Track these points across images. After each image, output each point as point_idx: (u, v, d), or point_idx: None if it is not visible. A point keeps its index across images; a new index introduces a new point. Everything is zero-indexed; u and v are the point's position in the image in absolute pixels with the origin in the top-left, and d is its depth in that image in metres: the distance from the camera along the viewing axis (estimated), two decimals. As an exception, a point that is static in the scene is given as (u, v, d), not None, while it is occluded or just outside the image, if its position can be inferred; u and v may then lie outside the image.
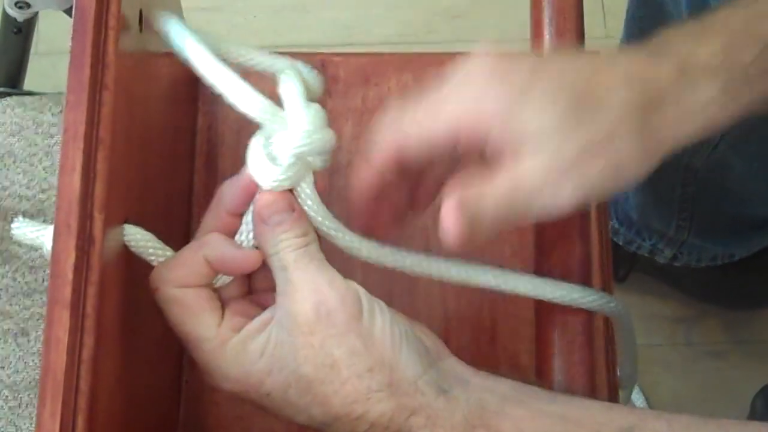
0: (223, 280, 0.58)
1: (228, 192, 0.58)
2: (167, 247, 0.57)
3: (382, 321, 0.54)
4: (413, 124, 0.56)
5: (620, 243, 1.28)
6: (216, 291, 0.58)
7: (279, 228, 0.56)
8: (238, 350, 0.55)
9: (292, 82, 0.59)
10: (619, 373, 0.76)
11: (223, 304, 0.58)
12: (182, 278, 0.56)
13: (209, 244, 0.57)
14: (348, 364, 0.53)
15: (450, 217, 0.54)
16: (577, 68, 0.56)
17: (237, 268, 0.58)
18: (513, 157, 0.54)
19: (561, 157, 0.54)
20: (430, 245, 0.79)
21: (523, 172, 0.54)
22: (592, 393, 0.62)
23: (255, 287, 0.60)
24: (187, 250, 0.57)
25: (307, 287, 0.54)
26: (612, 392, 0.77)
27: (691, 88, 0.55)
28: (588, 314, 0.63)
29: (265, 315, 0.56)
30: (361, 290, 0.55)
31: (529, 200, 0.54)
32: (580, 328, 0.63)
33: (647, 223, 1.24)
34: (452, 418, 0.53)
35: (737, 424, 0.55)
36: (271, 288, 0.57)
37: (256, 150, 0.57)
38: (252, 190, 0.58)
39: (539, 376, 0.64)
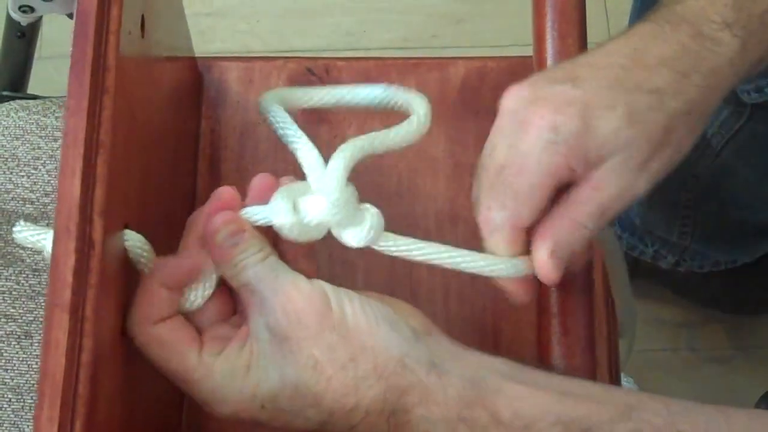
0: (190, 302, 0.58)
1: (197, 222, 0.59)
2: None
3: (352, 309, 0.54)
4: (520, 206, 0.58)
5: (623, 249, 1.28)
6: (190, 321, 0.58)
7: (235, 249, 0.56)
8: (225, 370, 0.55)
9: (343, 155, 0.59)
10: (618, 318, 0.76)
11: (201, 333, 0.58)
12: (150, 314, 0.56)
13: (157, 270, 0.57)
14: (329, 359, 0.53)
15: (546, 266, 0.57)
16: (614, 64, 0.58)
17: (186, 272, 0.58)
18: (592, 168, 0.56)
19: (634, 154, 0.56)
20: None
21: (605, 178, 0.56)
22: (592, 367, 0.63)
23: (227, 311, 0.60)
24: (142, 287, 0.57)
25: (273, 295, 0.54)
26: (612, 361, 0.77)
27: (711, 48, 0.57)
28: (590, 318, 0.63)
29: (242, 331, 0.56)
30: (326, 285, 0.55)
31: (616, 204, 0.57)
32: (583, 332, 0.63)
33: (650, 229, 1.23)
34: (446, 394, 0.53)
35: (736, 409, 0.56)
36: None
37: (285, 200, 0.57)
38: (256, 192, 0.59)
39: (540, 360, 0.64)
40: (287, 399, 0.54)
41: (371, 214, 0.58)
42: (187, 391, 0.57)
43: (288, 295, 0.54)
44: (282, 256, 0.58)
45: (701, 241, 1.20)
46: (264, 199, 0.58)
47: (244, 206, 0.58)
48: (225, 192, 0.58)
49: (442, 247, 0.60)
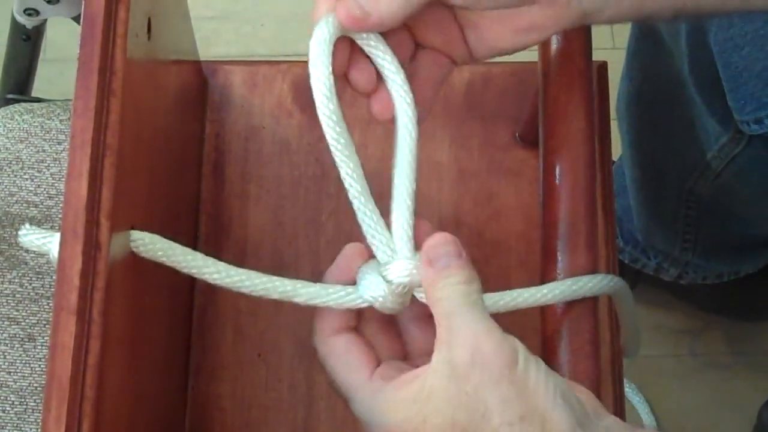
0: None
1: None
2: (175, 244, 0.57)
3: (537, 371, 0.54)
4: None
5: (625, 261, 1.28)
6: (371, 347, 0.59)
7: (445, 272, 0.56)
8: (389, 399, 0.56)
9: (401, 215, 0.60)
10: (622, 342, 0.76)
11: (379, 360, 0.59)
12: (326, 325, 0.58)
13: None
14: (500, 411, 0.52)
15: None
16: None
17: (344, 270, 0.59)
18: None
19: None
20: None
21: None
22: (596, 385, 0.62)
23: (410, 351, 0.61)
24: None
25: (465, 334, 0.54)
26: (617, 402, 0.77)
27: None
28: (594, 323, 0.63)
29: (420, 368, 0.56)
30: (519, 343, 0.55)
31: None
32: (587, 337, 0.63)
33: (652, 243, 1.24)
34: None
35: None
36: (425, 352, 0.58)
37: (374, 274, 0.58)
38: (349, 266, 0.60)
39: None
40: None
41: None
42: (350, 407, 0.58)
43: (480, 338, 0.54)
44: None
45: (703, 255, 1.20)
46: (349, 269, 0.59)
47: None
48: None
49: (509, 293, 0.62)
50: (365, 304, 0.58)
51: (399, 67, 0.60)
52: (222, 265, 0.58)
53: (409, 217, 0.60)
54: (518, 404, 0.53)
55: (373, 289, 0.58)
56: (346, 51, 0.60)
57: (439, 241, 0.58)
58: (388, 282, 0.58)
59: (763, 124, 0.82)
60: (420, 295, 0.59)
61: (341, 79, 0.61)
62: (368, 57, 0.60)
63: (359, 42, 0.60)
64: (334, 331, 0.58)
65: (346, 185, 0.59)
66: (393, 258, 0.58)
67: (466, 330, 0.54)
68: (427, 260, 0.57)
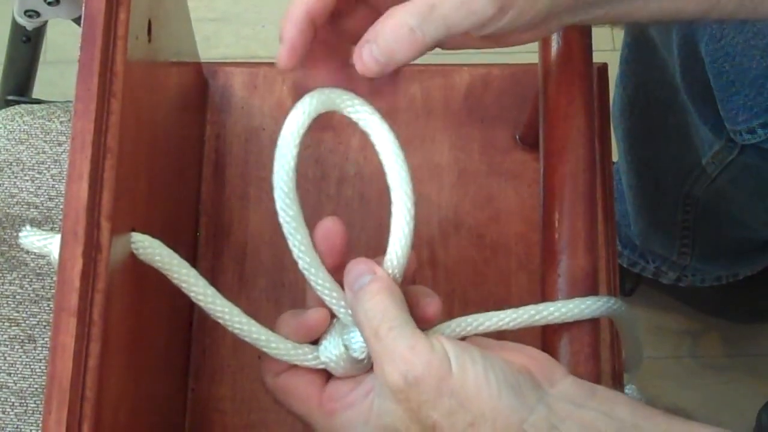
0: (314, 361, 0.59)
1: (287, 328, 0.60)
2: (174, 254, 0.57)
3: (475, 372, 0.53)
4: None
5: (624, 265, 1.28)
6: (314, 372, 0.59)
7: (360, 292, 0.56)
8: (344, 421, 0.56)
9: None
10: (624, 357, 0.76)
11: (326, 379, 0.59)
12: (272, 366, 0.59)
13: (278, 326, 0.59)
14: (449, 424, 0.53)
15: (362, 58, 0.56)
16: None
17: (307, 334, 0.59)
18: None
19: None
20: (437, 254, 0.80)
21: None
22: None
23: None
24: None
25: (392, 356, 0.54)
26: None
27: None
28: (594, 326, 0.63)
29: (367, 384, 0.57)
30: (449, 345, 0.54)
31: (449, 11, 0.54)
32: (587, 339, 0.63)
33: (650, 248, 1.24)
34: None
35: None
36: None
37: (335, 336, 0.59)
38: (313, 331, 0.59)
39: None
40: None
41: None
42: (311, 429, 0.59)
43: (406, 358, 0.53)
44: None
45: (701, 259, 1.20)
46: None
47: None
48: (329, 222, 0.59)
49: (506, 313, 0.62)
50: (325, 367, 0.59)
51: (389, 131, 0.62)
52: (211, 290, 0.58)
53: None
54: (464, 413, 0.53)
55: (332, 356, 0.58)
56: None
57: (352, 265, 0.58)
58: (350, 349, 0.58)
59: (756, 133, 0.82)
60: None
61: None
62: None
63: (344, 111, 0.61)
64: (279, 371, 0.59)
65: (295, 257, 0.58)
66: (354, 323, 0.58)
67: (392, 352, 0.54)
68: (348, 288, 0.57)
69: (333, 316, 0.60)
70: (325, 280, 0.58)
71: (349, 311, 0.58)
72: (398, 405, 0.54)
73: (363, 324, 0.56)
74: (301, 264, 0.58)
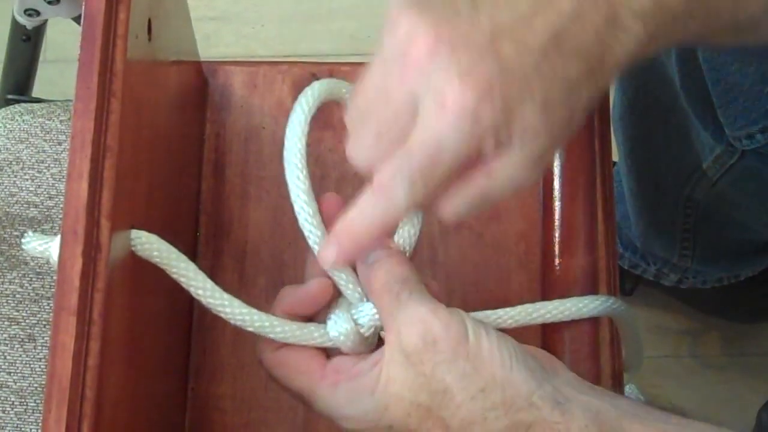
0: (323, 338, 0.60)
1: (288, 299, 0.60)
2: (173, 248, 0.57)
3: (489, 342, 0.54)
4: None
5: (625, 267, 1.28)
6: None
7: (376, 264, 0.58)
8: (348, 393, 0.57)
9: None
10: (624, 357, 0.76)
11: (327, 353, 0.60)
12: (272, 341, 0.59)
13: (279, 300, 0.60)
14: (460, 387, 0.53)
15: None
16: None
17: (309, 305, 0.60)
18: (494, 153, 0.53)
19: (536, 146, 0.53)
20: (437, 254, 0.79)
21: (501, 169, 0.54)
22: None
23: None
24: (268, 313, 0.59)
25: (411, 319, 0.55)
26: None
27: (620, 35, 0.54)
28: (594, 324, 0.63)
29: (374, 356, 0.58)
30: (466, 315, 0.56)
31: (502, 195, 0.55)
32: (587, 338, 0.63)
33: (651, 250, 1.24)
34: (568, 431, 0.53)
35: None
36: None
37: (348, 320, 0.59)
38: (315, 301, 0.60)
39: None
40: (417, 421, 0.55)
41: None
42: (312, 407, 0.59)
43: (426, 319, 0.55)
44: None
45: (702, 261, 1.20)
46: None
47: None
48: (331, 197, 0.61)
49: (505, 311, 0.63)
50: (332, 344, 0.59)
51: None
52: (210, 284, 0.58)
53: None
54: (477, 377, 0.54)
55: (341, 331, 0.59)
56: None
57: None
58: (358, 325, 0.58)
59: (755, 139, 0.82)
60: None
61: None
62: None
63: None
64: (278, 344, 0.59)
65: (305, 233, 0.59)
66: (362, 299, 0.59)
67: (411, 314, 0.55)
68: (360, 262, 0.58)
69: (337, 295, 0.60)
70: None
71: (357, 289, 0.59)
72: (410, 369, 0.54)
73: (380, 292, 0.57)
74: (311, 239, 0.59)
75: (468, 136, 0.51)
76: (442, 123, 0.51)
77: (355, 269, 0.60)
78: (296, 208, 0.59)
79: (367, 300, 0.59)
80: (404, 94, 0.52)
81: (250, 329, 0.58)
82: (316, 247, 0.59)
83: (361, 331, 0.58)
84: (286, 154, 0.59)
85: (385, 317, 0.57)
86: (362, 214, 0.56)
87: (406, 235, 0.60)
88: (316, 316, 0.61)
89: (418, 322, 0.55)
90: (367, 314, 0.58)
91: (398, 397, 0.55)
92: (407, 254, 0.60)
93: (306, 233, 0.59)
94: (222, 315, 0.58)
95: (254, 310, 0.59)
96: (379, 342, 0.59)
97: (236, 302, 0.58)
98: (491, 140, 0.52)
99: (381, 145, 0.54)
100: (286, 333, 0.58)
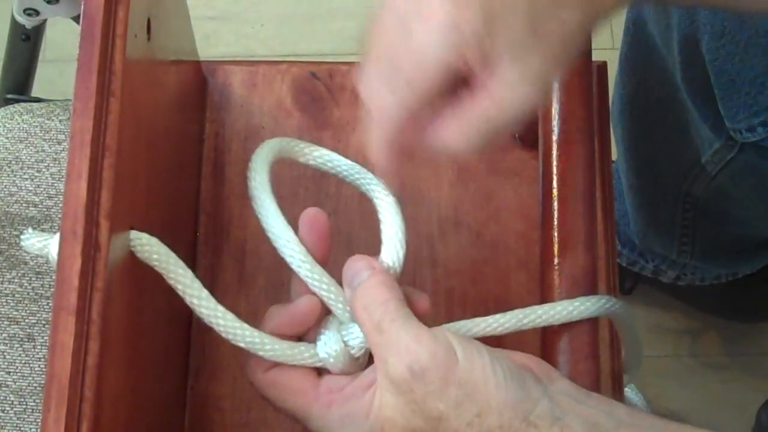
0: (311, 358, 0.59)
1: (277, 319, 0.60)
2: (172, 253, 0.57)
3: (482, 363, 0.53)
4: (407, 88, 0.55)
5: (624, 264, 1.28)
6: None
7: (359, 289, 0.57)
8: (343, 413, 0.56)
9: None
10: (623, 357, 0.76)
11: (319, 370, 0.59)
12: (263, 362, 0.58)
13: (267, 319, 0.59)
14: (455, 414, 0.53)
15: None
16: None
17: (298, 324, 0.59)
18: (488, 71, 0.54)
19: (533, 64, 0.54)
20: (436, 253, 0.80)
21: (499, 88, 0.54)
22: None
23: None
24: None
25: (397, 348, 0.54)
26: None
27: None
28: (593, 324, 0.63)
29: (367, 376, 0.57)
30: (453, 337, 0.54)
31: (507, 116, 0.55)
32: (586, 338, 0.63)
33: (649, 247, 1.24)
34: None
35: None
36: None
37: (337, 342, 0.58)
38: (304, 320, 0.59)
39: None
40: None
41: None
42: (306, 426, 0.58)
43: (411, 349, 0.53)
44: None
45: (701, 258, 1.20)
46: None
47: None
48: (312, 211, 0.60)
49: (503, 316, 0.62)
50: (322, 365, 0.58)
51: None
52: (205, 294, 0.58)
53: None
54: (471, 403, 0.53)
55: (330, 353, 0.58)
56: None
57: (350, 263, 0.58)
58: (348, 346, 0.58)
59: (756, 132, 0.82)
60: None
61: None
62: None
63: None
64: (268, 366, 0.59)
65: (287, 258, 0.59)
66: (352, 318, 0.58)
67: (396, 343, 0.54)
68: (347, 285, 0.58)
69: (327, 312, 0.60)
70: (321, 275, 0.58)
71: (347, 307, 0.58)
72: (401, 397, 0.54)
73: (363, 319, 0.56)
74: (293, 263, 0.58)
75: (450, 45, 0.53)
76: (423, 34, 0.53)
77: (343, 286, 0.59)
78: (271, 237, 0.59)
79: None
80: (397, 23, 0.54)
81: (240, 344, 0.58)
82: (299, 270, 0.58)
83: (351, 352, 0.58)
84: (251, 192, 0.60)
85: (371, 343, 0.56)
86: (371, 134, 0.57)
87: (393, 253, 0.59)
88: (306, 335, 0.60)
89: (404, 353, 0.53)
90: (357, 336, 0.57)
91: (392, 422, 0.54)
92: (396, 271, 0.59)
93: (288, 259, 0.59)
94: (214, 327, 0.58)
95: (246, 326, 0.58)
96: (371, 359, 0.58)
97: (230, 315, 0.58)
98: (475, 51, 0.53)
99: (381, 72, 0.56)
100: (276, 351, 0.58)
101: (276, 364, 0.58)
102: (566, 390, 0.56)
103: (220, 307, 0.58)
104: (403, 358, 0.53)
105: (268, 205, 0.60)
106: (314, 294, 0.59)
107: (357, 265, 0.58)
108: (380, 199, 0.61)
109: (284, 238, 0.59)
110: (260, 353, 0.58)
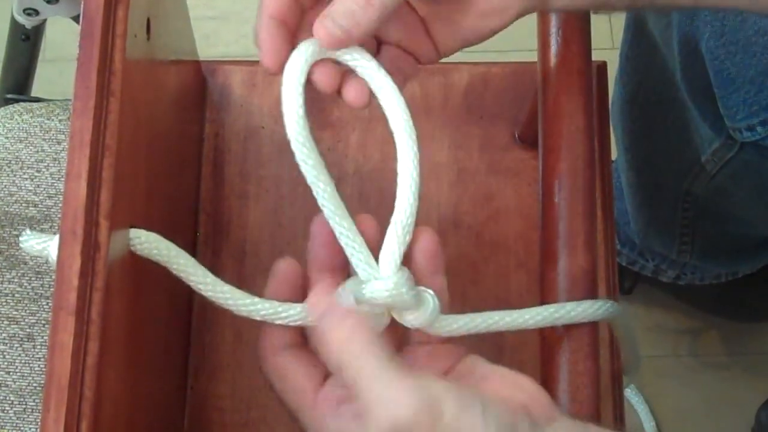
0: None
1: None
2: (172, 245, 0.57)
3: (472, 414, 0.50)
4: None
5: (623, 263, 1.28)
6: (317, 361, 0.56)
7: (331, 335, 0.53)
8: (333, 430, 0.54)
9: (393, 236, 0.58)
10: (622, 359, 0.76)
11: (325, 374, 0.56)
12: (271, 343, 0.57)
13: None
14: None
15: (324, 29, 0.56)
16: None
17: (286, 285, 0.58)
18: None
19: None
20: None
21: None
22: (595, 402, 0.62)
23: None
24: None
25: (377, 405, 0.51)
26: (616, 402, 0.77)
27: None
28: (593, 324, 0.63)
29: (359, 405, 0.54)
30: (441, 387, 0.51)
31: None
32: (586, 338, 0.63)
33: (649, 246, 1.24)
34: None
35: None
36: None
37: (349, 292, 0.57)
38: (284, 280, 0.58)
39: (544, 385, 0.64)
40: None
41: (431, 295, 0.58)
42: (301, 424, 0.57)
43: (391, 406, 0.50)
44: None
45: (701, 257, 1.20)
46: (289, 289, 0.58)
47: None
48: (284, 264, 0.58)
49: (500, 313, 0.61)
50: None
51: (386, 77, 0.60)
52: (211, 277, 0.57)
53: (401, 233, 0.58)
54: None
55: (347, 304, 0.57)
56: (332, 70, 0.59)
57: (315, 298, 0.56)
58: (362, 301, 0.56)
59: (755, 131, 0.82)
60: (408, 318, 0.58)
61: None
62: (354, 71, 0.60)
63: (341, 59, 0.59)
64: (279, 348, 0.57)
65: (320, 205, 0.58)
66: (373, 276, 0.57)
67: (376, 399, 0.51)
68: (316, 319, 0.55)
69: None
70: (349, 228, 0.58)
71: (369, 263, 0.57)
72: None
73: (341, 370, 0.53)
74: (326, 212, 0.58)
75: None
76: None
77: (368, 240, 0.58)
78: (310, 184, 0.59)
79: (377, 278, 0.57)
80: None
81: (257, 318, 0.57)
82: (332, 222, 0.58)
83: (368, 310, 0.56)
84: (288, 130, 0.58)
85: (355, 391, 0.52)
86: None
87: (406, 207, 0.59)
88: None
89: (384, 409, 0.50)
90: (371, 291, 0.56)
91: None
92: (409, 228, 0.58)
93: (322, 208, 0.59)
94: (226, 306, 0.57)
95: (257, 299, 0.57)
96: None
97: (239, 293, 0.57)
98: None
99: None
100: (295, 316, 0.56)
101: (285, 346, 0.57)
102: (563, 428, 0.54)
103: (227, 287, 0.57)
104: (385, 416, 0.50)
105: (308, 152, 0.59)
106: (340, 244, 0.58)
107: (323, 301, 0.56)
108: (397, 133, 0.61)
109: (319, 186, 0.58)
110: (279, 321, 0.56)
